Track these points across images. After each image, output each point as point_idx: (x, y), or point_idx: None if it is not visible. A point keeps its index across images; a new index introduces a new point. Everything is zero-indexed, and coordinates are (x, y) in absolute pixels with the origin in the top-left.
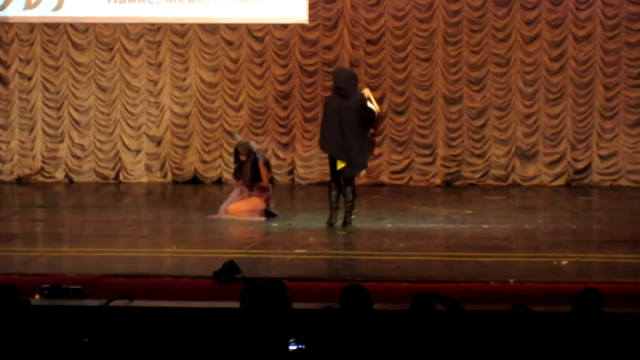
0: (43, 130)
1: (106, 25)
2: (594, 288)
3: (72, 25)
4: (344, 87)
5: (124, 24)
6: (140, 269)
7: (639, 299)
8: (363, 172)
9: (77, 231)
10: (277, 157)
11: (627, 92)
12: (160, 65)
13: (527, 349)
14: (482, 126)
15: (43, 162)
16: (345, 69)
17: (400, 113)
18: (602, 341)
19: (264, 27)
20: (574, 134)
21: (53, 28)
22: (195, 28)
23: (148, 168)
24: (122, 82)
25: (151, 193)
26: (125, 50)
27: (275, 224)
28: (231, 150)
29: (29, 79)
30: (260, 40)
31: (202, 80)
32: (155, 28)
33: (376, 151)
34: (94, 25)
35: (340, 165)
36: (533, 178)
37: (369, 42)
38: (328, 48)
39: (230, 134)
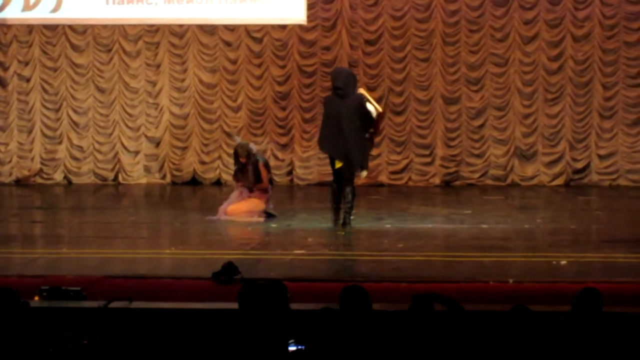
0: (42, 131)
1: (105, 26)
2: (593, 288)
3: (70, 26)
4: (343, 87)
5: (122, 25)
6: (140, 270)
7: (638, 298)
8: (364, 173)
9: (76, 233)
10: (276, 157)
11: (626, 92)
12: (158, 66)
13: (526, 348)
14: (481, 126)
15: (42, 163)
16: (344, 69)
17: (399, 113)
18: (601, 341)
19: (263, 27)
20: (573, 133)
21: (51, 29)
22: (194, 29)
23: (147, 169)
24: (120, 84)
25: (150, 194)
26: (124, 51)
27: (274, 225)
28: (230, 151)
29: (28, 80)
30: (258, 41)
31: (200, 81)
32: (154, 29)
33: (375, 151)
34: (93, 26)
35: (339, 164)
36: (532, 178)
37: (368, 42)
38: (327, 48)
39: (229, 134)
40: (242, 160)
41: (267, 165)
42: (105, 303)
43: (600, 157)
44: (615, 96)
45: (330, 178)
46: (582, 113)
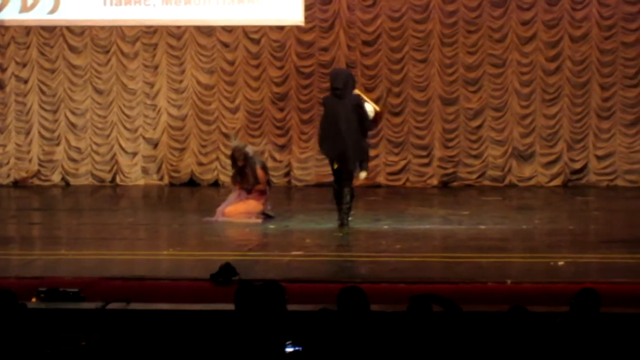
0: (39, 133)
1: (102, 27)
2: (591, 288)
3: (68, 28)
4: (341, 87)
5: (120, 27)
6: (137, 272)
7: (636, 299)
8: (363, 174)
9: (74, 234)
10: (274, 159)
11: (624, 92)
12: (156, 67)
13: (524, 349)
14: (479, 127)
15: (40, 165)
16: (343, 70)
17: (396, 114)
18: (599, 341)
19: (260, 29)
20: (571, 134)
21: (49, 31)
22: (192, 30)
23: (145, 170)
24: (118, 85)
25: (148, 195)
26: (122, 52)
27: (272, 226)
28: (228, 152)
29: (25, 82)
30: (256, 42)
31: (198, 83)
32: (152, 30)
33: (373, 152)
34: (90, 28)
35: (337, 165)
36: (530, 179)
37: (365, 43)
38: (324, 50)
39: (227, 136)
40: (240, 163)
41: (264, 167)
42: (103, 304)
43: (598, 157)
44: (612, 97)
45: (328, 179)
46: (580, 114)
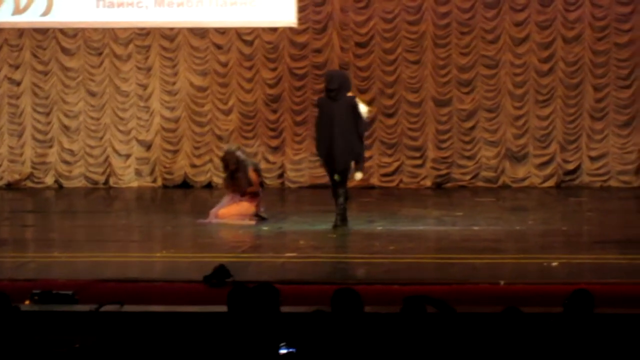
0: (32, 135)
1: (95, 30)
2: (584, 289)
3: (61, 30)
4: (335, 89)
5: (113, 29)
6: (131, 274)
7: (629, 299)
8: (359, 175)
9: (68, 236)
10: (267, 160)
11: (617, 93)
12: (149, 69)
13: (518, 350)
14: (472, 128)
15: (33, 167)
16: (339, 71)
17: (390, 115)
18: (593, 342)
19: (253, 30)
20: (564, 135)
21: (42, 33)
22: (185, 32)
23: (138, 172)
24: (111, 87)
25: (141, 198)
26: (115, 54)
27: (265, 228)
28: (221, 154)
29: (18, 84)
30: (249, 43)
31: (191, 84)
32: (145, 32)
33: (366, 154)
34: (83, 30)
35: (336, 176)
36: (523, 179)
37: (358, 44)
38: (317, 51)
39: (220, 138)
40: (232, 167)
41: (257, 168)
42: (96, 307)
43: (591, 158)
44: (606, 97)
45: (321, 180)
46: (573, 115)
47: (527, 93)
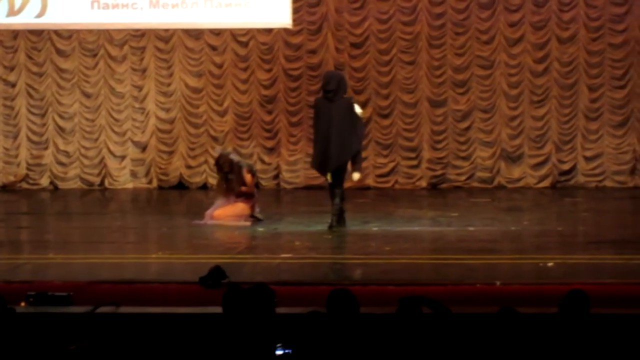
0: (27, 137)
1: (90, 31)
2: (580, 289)
3: (55, 31)
4: (334, 90)
5: (107, 30)
6: (127, 275)
7: (625, 299)
8: (356, 175)
9: (63, 238)
10: (263, 161)
11: (611, 93)
12: (144, 71)
13: (514, 351)
14: (467, 129)
15: (28, 169)
16: (336, 72)
17: (385, 116)
18: (589, 342)
19: (248, 31)
20: (559, 135)
21: (37, 34)
22: (180, 33)
23: (133, 174)
24: (106, 88)
25: (137, 199)
26: (110, 56)
27: (261, 229)
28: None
29: (13, 85)
30: (244, 45)
31: (186, 86)
32: (140, 34)
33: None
34: (78, 31)
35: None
36: (518, 180)
37: (353, 45)
38: (312, 52)
39: (215, 139)
40: (225, 169)
41: (252, 169)
42: (92, 308)
43: (586, 158)
44: (600, 98)
45: (317, 181)
46: (568, 115)
47: (522, 93)
